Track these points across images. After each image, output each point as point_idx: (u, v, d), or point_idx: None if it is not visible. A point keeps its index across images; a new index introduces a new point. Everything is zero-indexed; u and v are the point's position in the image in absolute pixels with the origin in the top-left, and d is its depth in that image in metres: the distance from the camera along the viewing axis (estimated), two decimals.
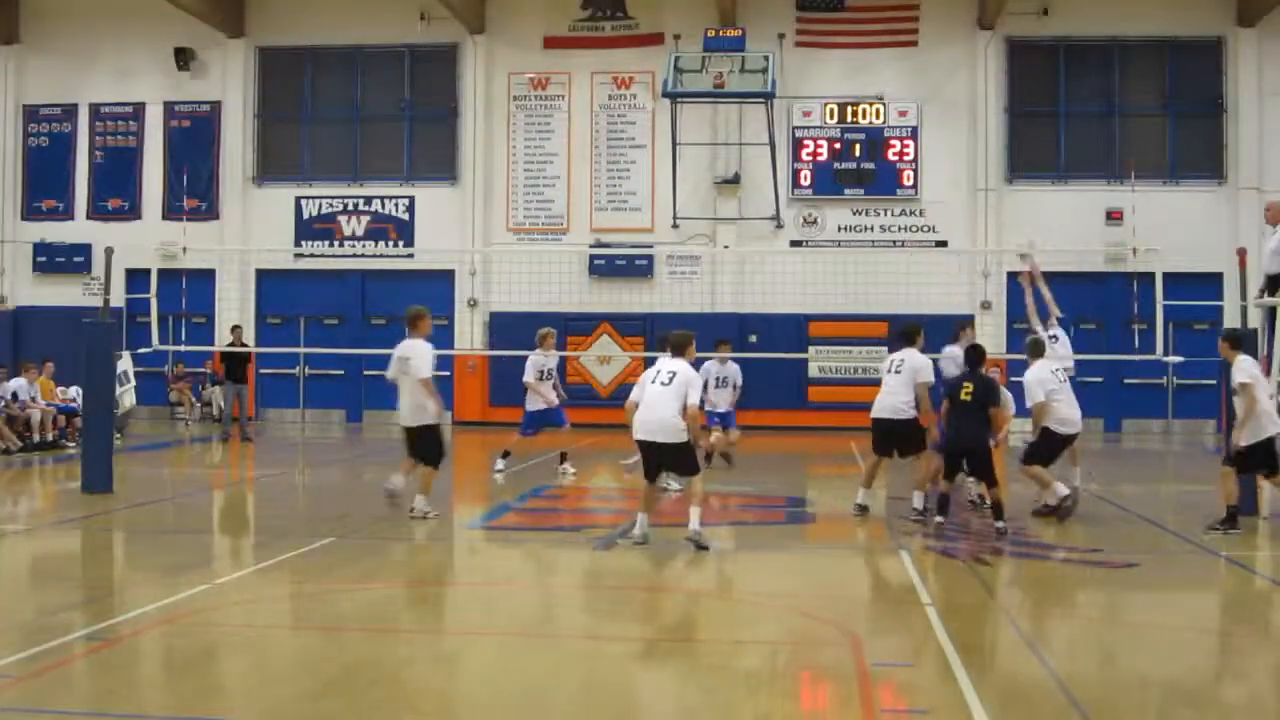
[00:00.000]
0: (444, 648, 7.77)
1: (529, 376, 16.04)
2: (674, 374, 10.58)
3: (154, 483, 16.65)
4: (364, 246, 27.23)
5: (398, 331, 26.46)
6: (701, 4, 25.73)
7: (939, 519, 11.73)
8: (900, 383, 12.40)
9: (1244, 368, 11.59)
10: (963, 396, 11.44)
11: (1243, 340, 12.17)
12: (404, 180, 27.36)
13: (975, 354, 11.92)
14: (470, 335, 26.52)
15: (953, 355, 13.47)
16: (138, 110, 27.88)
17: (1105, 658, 7.59)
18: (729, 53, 22.84)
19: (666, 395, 10.51)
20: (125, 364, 16.51)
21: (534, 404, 16.08)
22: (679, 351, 10.87)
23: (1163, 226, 22.96)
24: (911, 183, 25.95)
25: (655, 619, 8.62)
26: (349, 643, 7.72)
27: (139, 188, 27.87)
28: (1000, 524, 11.39)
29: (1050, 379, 12.29)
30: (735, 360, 16.53)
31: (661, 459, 10.76)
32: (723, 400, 16.09)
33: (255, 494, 16.12)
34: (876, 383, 15.73)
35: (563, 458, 16.36)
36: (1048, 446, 12.36)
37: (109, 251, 15.66)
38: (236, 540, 12.07)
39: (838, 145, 26.14)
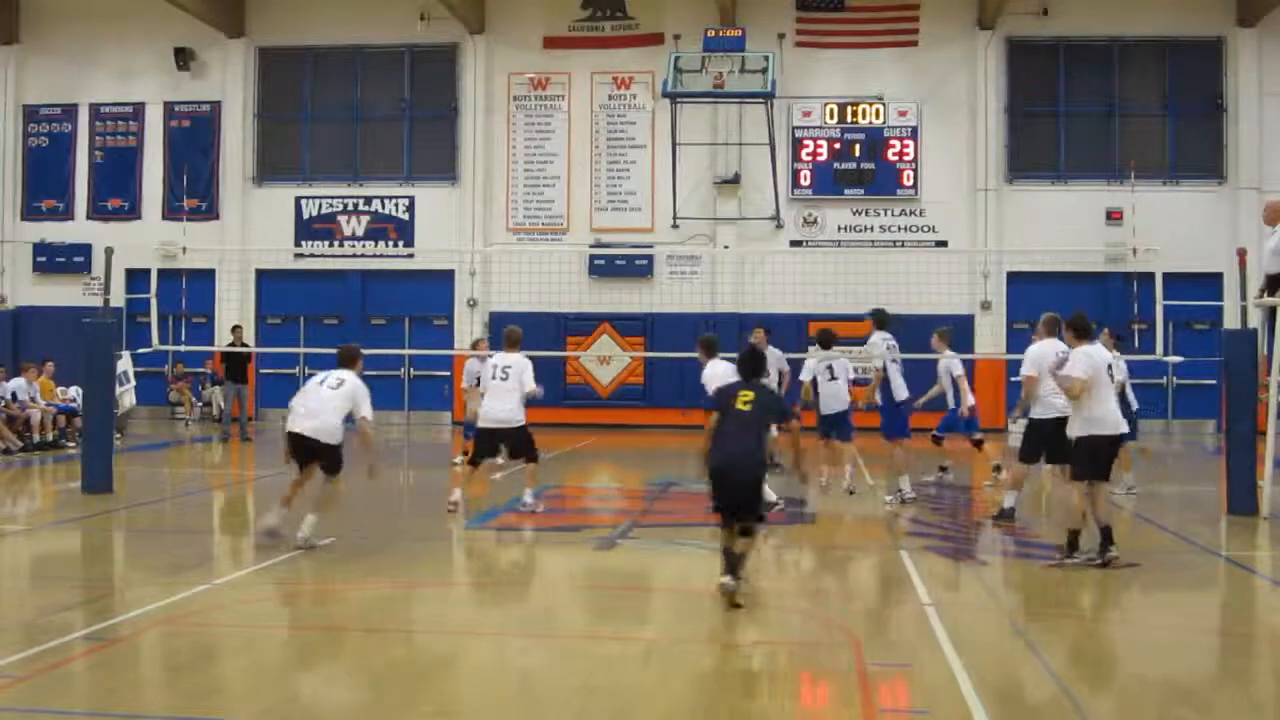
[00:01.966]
0: (444, 648, 7.77)
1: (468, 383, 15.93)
2: (509, 368, 12.45)
3: (154, 483, 16.65)
4: (364, 246, 27.23)
5: (397, 331, 26.85)
6: (701, 4, 25.73)
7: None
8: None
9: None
10: (739, 406, 8.81)
11: (1082, 329, 10.41)
12: (404, 180, 27.37)
13: (752, 360, 9.40)
14: (470, 336, 26.50)
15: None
16: (138, 110, 27.89)
17: (1105, 658, 7.59)
18: (729, 53, 22.86)
19: (508, 387, 12.40)
20: (125, 364, 16.49)
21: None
22: (513, 347, 12.73)
23: (1163, 226, 23.00)
24: (911, 183, 25.95)
25: (655, 619, 8.61)
26: (349, 643, 7.72)
27: (139, 188, 27.87)
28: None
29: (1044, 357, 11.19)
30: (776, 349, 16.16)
31: (503, 442, 12.61)
32: None
33: (255, 494, 16.11)
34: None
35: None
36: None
37: (109, 251, 15.66)
38: (236, 540, 12.07)
39: (837, 145, 26.14)
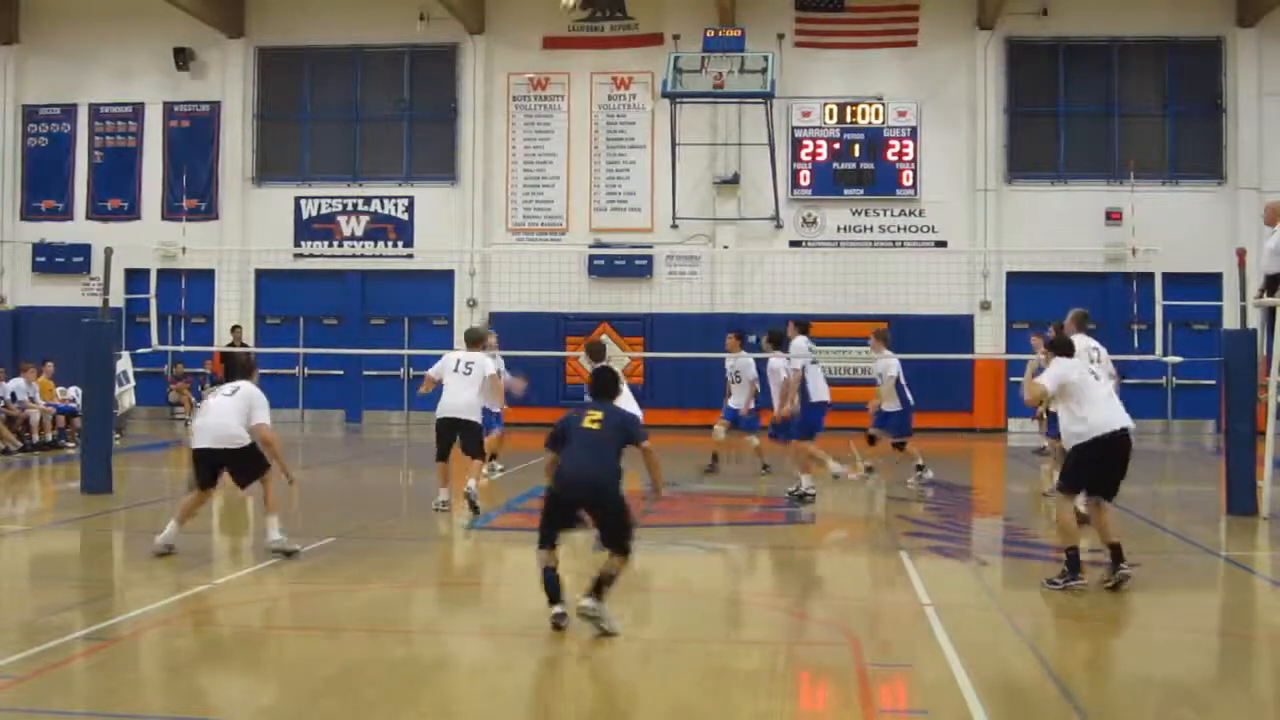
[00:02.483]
0: (443, 647, 7.77)
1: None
2: (472, 364, 12.70)
3: (153, 483, 16.64)
4: (363, 247, 27.23)
5: (397, 331, 26.83)
6: (701, 4, 25.73)
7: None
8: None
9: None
10: (586, 424, 8.08)
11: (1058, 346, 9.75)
12: (403, 180, 27.36)
13: (602, 381, 8.59)
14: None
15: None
16: (137, 110, 27.87)
17: (1105, 658, 7.60)
18: (728, 53, 22.87)
19: (469, 381, 12.63)
20: (125, 364, 16.52)
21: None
22: (475, 346, 13.05)
23: (1162, 226, 23.01)
24: (911, 183, 25.95)
25: (654, 619, 8.61)
26: (348, 643, 7.72)
27: (138, 188, 27.86)
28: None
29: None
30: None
31: (457, 432, 12.61)
32: (737, 397, 16.19)
33: (255, 494, 16.07)
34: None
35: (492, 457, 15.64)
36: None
37: (108, 251, 15.65)
38: (236, 540, 12.06)
39: (837, 145, 26.14)
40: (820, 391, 14.09)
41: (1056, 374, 9.25)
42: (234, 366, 11.10)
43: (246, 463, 10.33)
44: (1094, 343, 12.07)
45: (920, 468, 15.32)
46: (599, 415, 8.16)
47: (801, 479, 13.82)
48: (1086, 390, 9.20)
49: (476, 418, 12.74)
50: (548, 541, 7.87)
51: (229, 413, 10.27)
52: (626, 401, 10.28)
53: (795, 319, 14.66)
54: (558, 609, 7.67)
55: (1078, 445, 9.14)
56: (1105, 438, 9.07)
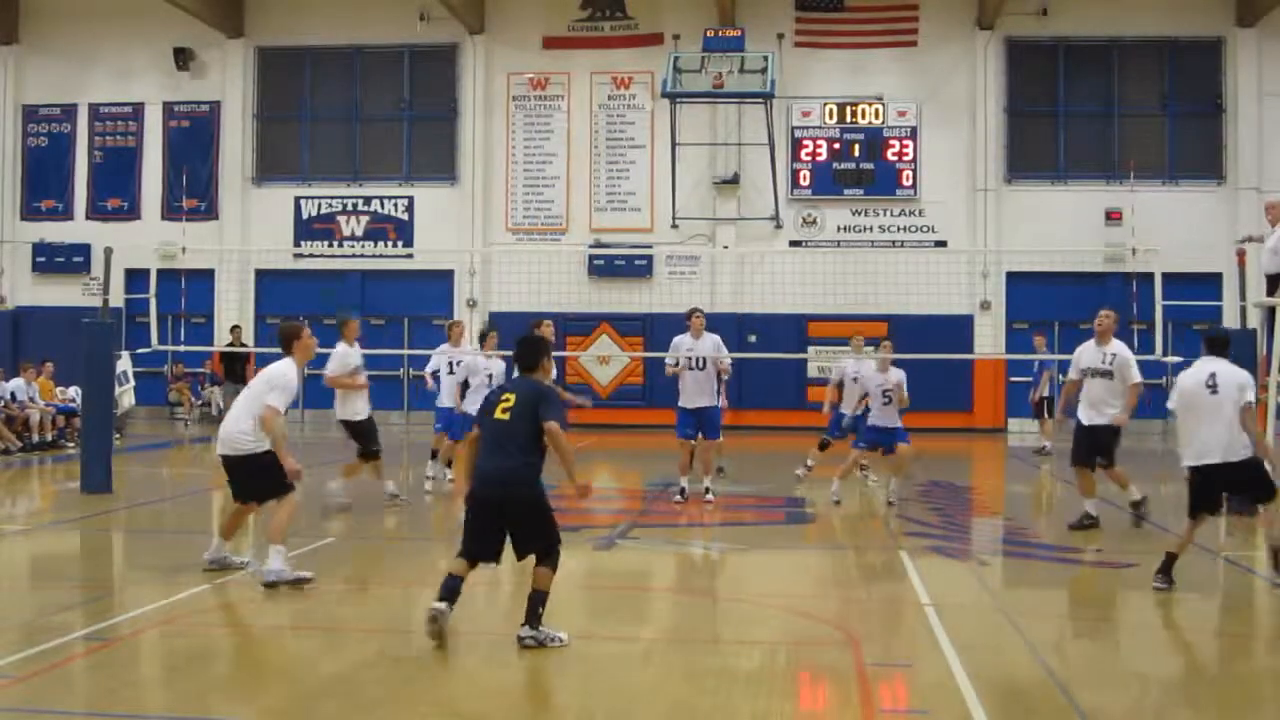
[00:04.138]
0: (443, 648, 7.76)
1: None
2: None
3: (153, 483, 16.65)
4: (363, 247, 27.23)
5: (397, 331, 26.83)
6: (701, 4, 25.73)
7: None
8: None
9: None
10: (497, 415, 7.34)
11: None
12: (403, 180, 27.36)
13: (530, 347, 7.76)
14: (470, 336, 26.45)
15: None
16: (137, 110, 27.88)
17: (1105, 658, 7.59)
18: (728, 53, 22.84)
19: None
20: (124, 364, 16.50)
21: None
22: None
23: (1162, 226, 23.03)
24: (911, 183, 25.96)
25: (654, 619, 8.61)
26: (348, 643, 7.72)
27: (138, 188, 27.86)
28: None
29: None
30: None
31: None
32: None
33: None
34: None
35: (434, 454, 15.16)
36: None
37: (108, 251, 15.66)
38: (236, 540, 12.04)
39: (837, 145, 26.14)
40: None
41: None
42: (279, 338, 9.36)
43: (251, 475, 8.99)
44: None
45: (864, 467, 15.38)
46: (511, 399, 7.33)
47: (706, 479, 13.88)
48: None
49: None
50: (468, 554, 7.29)
51: (239, 409, 9.07)
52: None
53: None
54: (436, 605, 7.12)
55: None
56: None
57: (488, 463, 7.26)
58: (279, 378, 8.89)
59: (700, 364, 13.74)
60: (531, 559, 7.44)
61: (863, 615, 8.57)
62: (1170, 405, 9.46)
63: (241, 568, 9.23)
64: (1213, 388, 9.02)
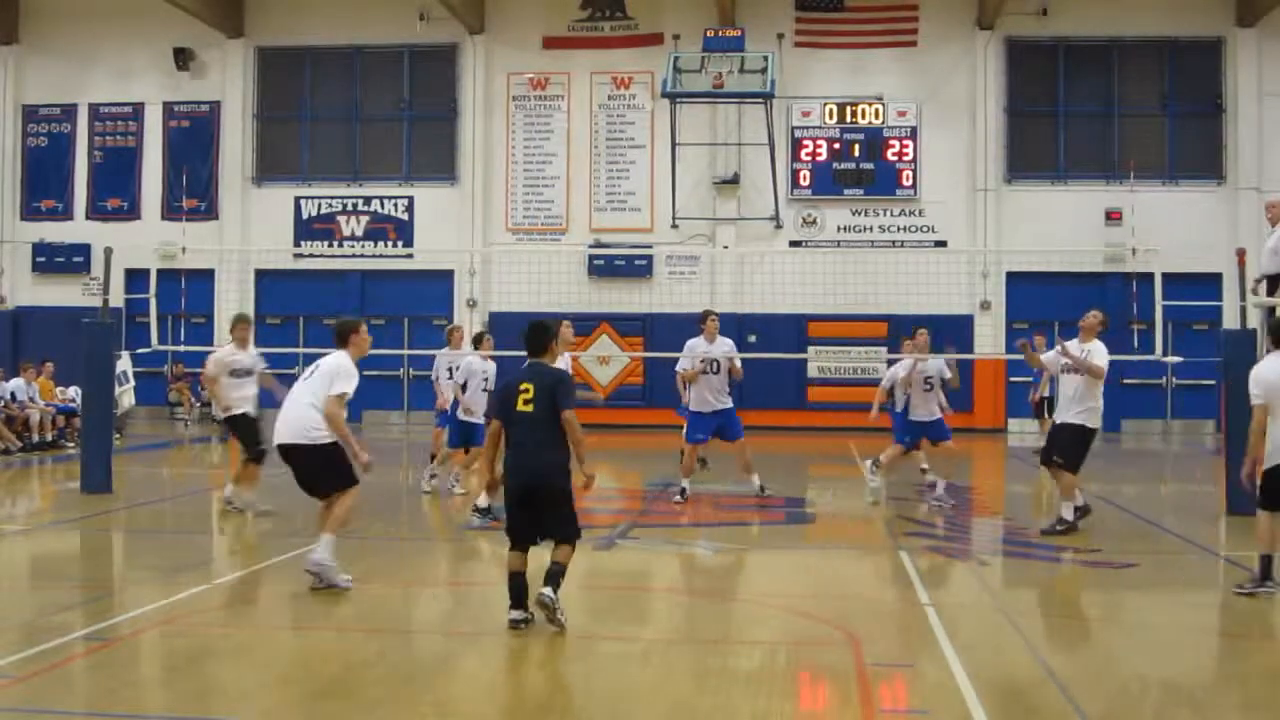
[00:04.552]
0: (443, 648, 7.77)
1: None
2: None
3: (154, 483, 16.65)
4: (363, 247, 27.24)
5: (397, 332, 26.82)
6: (701, 4, 25.74)
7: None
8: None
9: None
10: (520, 407, 7.65)
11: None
12: (403, 180, 27.37)
13: (539, 332, 8.09)
14: (470, 335, 26.45)
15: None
16: (137, 110, 27.89)
17: (1105, 658, 7.59)
18: (728, 53, 22.85)
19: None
20: (124, 364, 16.53)
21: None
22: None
23: (1162, 226, 23.03)
24: (911, 183, 25.97)
25: (655, 619, 8.61)
26: (349, 643, 7.72)
27: (138, 188, 27.87)
28: None
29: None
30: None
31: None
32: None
33: (254, 494, 16.06)
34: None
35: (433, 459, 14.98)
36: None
37: (108, 251, 15.66)
38: (236, 540, 12.06)
39: (837, 145, 26.15)
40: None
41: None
42: (335, 333, 9.20)
43: (322, 467, 8.79)
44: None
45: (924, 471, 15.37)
46: (531, 390, 7.59)
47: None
48: None
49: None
50: (517, 543, 7.66)
51: (302, 396, 8.79)
52: None
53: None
54: (515, 614, 7.52)
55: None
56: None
57: (521, 456, 7.54)
58: (341, 368, 8.80)
59: (715, 367, 13.75)
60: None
61: (863, 615, 8.57)
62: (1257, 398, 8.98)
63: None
64: None
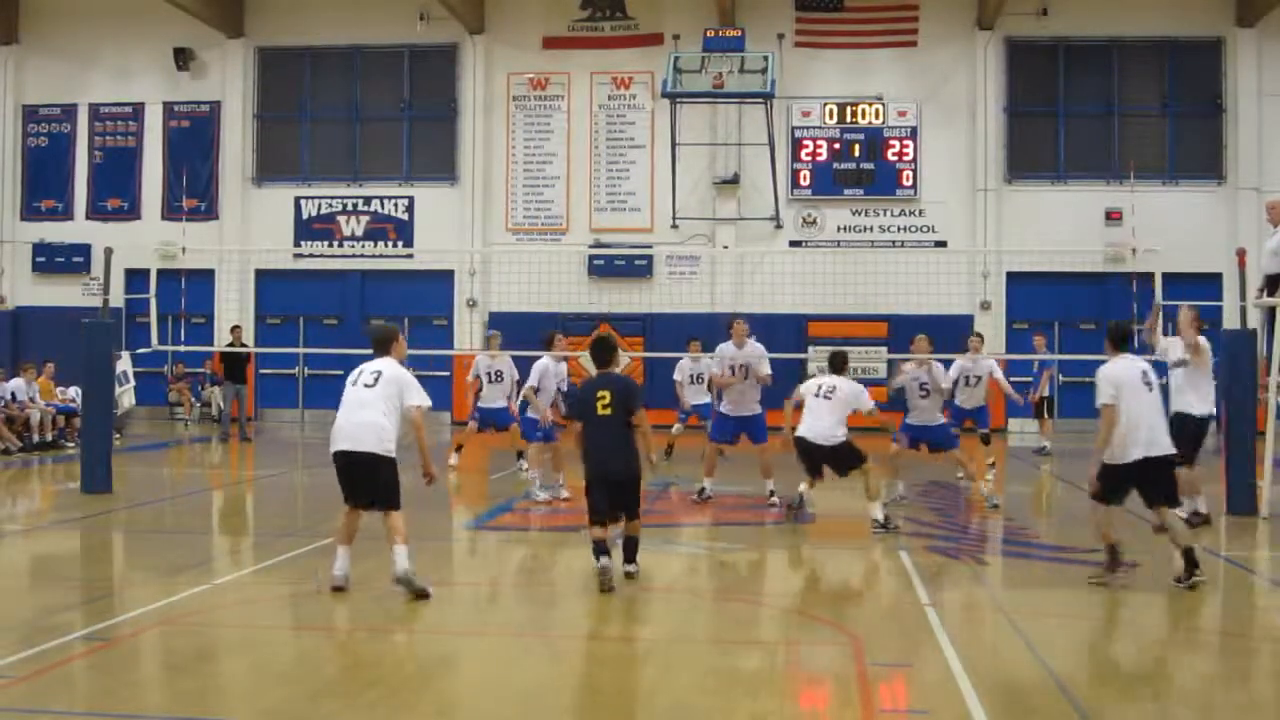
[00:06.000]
0: (443, 648, 7.77)
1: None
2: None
3: (153, 483, 16.65)
4: (363, 247, 27.24)
5: None
6: (701, 4, 25.74)
7: None
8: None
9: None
10: (600, 411, 9.05)
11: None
12: (403, 180, 27.37)
13: (604, 346, 9.46)
14: (470, 336, 26.51)
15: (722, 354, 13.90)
16: (137, 110, 27.89)
17: (1105, 658, 7.59)
18: (728, 53, 22.84)
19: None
20: (124, 364, 16.50)
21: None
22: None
23: (1162, 226, 23.04)
24: (911, 183, 25.96)
25: (654, 619, 8.61)
26: (349, 643, 7.72)
27: (138, 188, 27.87)
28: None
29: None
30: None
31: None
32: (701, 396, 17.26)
33: (254, 494, 16.11)
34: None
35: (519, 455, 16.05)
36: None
37: (108, 251, 15.66)
38: (236, 540, 12.06)
39: (837, 145, 26.15)
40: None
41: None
42: (375, 341, 9.16)
43: (390, 478, 8.74)
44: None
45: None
46: (608, 396, 8.99)
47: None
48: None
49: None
50: (598, 519, 8.94)
51: (374, 404, 8.67)
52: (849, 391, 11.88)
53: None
54: (604, 560, 8.77)
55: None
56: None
57: (605, 453, 8.96)
58: (407, 378, 8.84)
59: (745, 372, 13.73)
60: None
61: (863, 615, 8.57)
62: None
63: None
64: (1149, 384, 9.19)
